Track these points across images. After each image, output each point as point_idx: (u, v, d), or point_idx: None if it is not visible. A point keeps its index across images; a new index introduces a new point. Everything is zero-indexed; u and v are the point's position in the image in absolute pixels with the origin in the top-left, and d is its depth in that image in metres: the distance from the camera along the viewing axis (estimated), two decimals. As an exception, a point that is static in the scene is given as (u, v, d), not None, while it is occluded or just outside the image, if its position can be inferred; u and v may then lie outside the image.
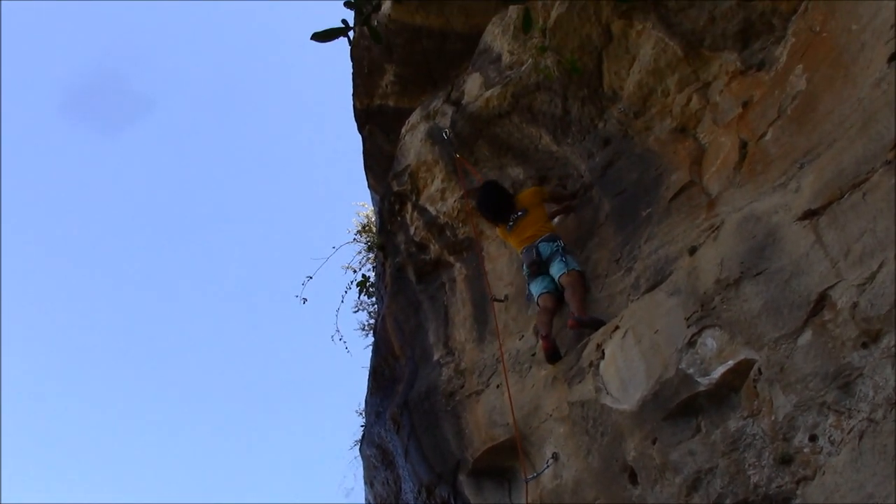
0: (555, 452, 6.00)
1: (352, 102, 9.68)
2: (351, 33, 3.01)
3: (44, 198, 52.56)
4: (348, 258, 11.74)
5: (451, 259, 8.09)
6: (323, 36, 2.98)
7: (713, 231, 5.27)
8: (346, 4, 3.09)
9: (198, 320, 55.19)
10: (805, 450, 4.36)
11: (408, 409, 7.65)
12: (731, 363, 4.80)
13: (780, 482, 4.44)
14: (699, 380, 4.94)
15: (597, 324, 5.97)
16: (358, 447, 9.65)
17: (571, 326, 6.14)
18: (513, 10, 7.15)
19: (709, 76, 5.82)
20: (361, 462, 9.37)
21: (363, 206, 10.98)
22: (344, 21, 3.01)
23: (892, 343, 4.03)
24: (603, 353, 5.74)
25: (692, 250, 5.37)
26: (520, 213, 6.83)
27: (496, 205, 7.01)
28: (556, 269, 6.47)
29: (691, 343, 5.05)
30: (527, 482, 6.10)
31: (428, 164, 8.06)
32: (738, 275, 4.89)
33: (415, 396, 7.61)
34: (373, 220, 10.31)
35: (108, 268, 53.93)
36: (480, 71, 7.59)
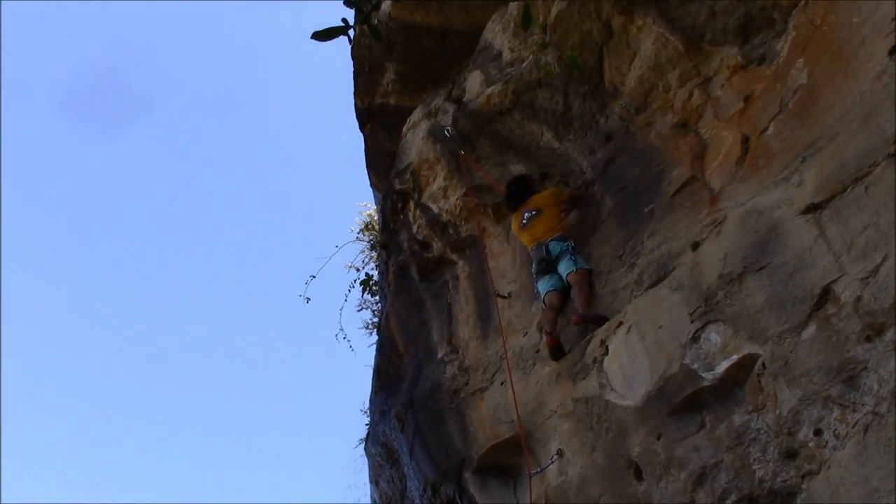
0: (559, 449, 6.01)
1: (353, 101, 9.69)
2: (351, 32, 3.00)
3: (44, 198, 52.65)
4: (351, 257, 11.75)
5: (454, 257, 8.10)
6: (323, 35, 2.97)
7: (716, 226, 5.27)
8: (345, 3, 3.08)
9: (200, 320, 55.25)
10: (810, 444, 4.36)
11: (412, 407, 7.66)
12: (735, 358, 4.80)
13: (785, 476, 4.44)
14: (703, 375, 4.94)
15: (600, 320, 5.98)
16: (363, 446, 9.66)
17: (575, 322, 6.15)
18: (513, 7, 7.15)
19: (710, 71, 5.82)
20: (367, 460, 9.38)
21: (365, 204, 11.00)
22: (344, 20, 2.99)
23: (896, 336, 4.03)
24: (607, 350, 5.74)
25: (695, 245, 5.37)
26: (534, 212, 6.84)
27: (516, 192, 7.10)
28: (564, 268, 6.49)
29: (695, 338, 5.06)
30: (530, 477, 6.11)
31: (430, 162, 8.06)
32: (742, 269, 4.89)
33: (419, 394, 7.62)
34: (375, 218, 10.32)
35: (108, 267, 54.03)
36: (481, 68, 7.59)
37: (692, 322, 5.10)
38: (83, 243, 53.27)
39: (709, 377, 4.92)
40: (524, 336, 6.88)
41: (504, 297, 7.21)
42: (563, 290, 6.52)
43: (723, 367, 4.86)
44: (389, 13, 8.36)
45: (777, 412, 4.54)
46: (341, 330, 10.55)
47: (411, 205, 8.40)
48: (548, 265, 6.63)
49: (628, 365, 5.51)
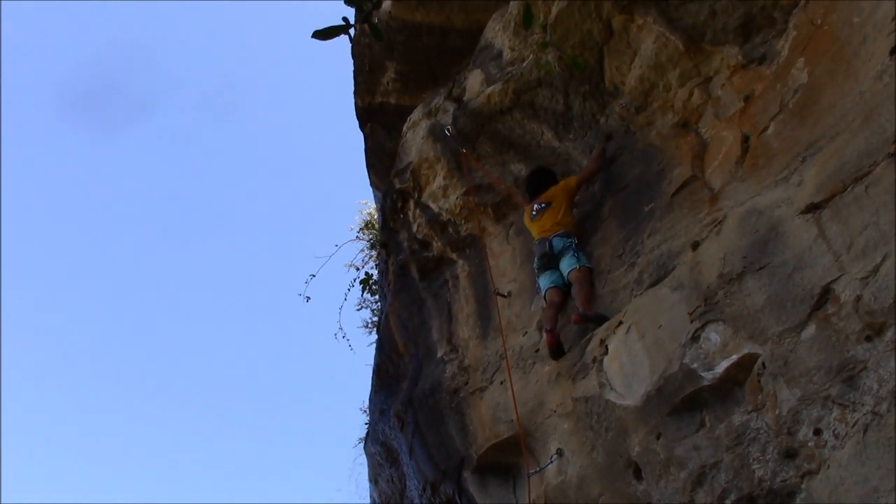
0: (559, 448, 6.00)
1: (353, 100, 9.68)
2: (351, 31, 2.99)
3: (43, 199, 52.68)
4: (351, 256, 11.73)
5: (454, 256, 8.10)
6: (323, 34, 2.96)
7: (716, 226, 5.26)
8: (346, 2, 3.07)
9: (200, 320, 55.27)
10: (809, 444, 4.36)
11: (412, 406, 7.66)
12: (734, 357, 4.80)
13: (784, 476, 4.44)
14: (703, 374, 4.94)
15: (600, 319, 5.97)
16: (362, 445, 9.66)
17: (575, 321, 6.15)
18: (513, 7, 7.14)
19: (710, 70, 5.81)
20: (366, 460, 9.38)
21: (365, 203, 11.00)
22: (344, 18, 2.99)
23: (896, 336, 4.03)
24: (606, 349, 5.74)
25: (695, 245, 5.36)
26: (544, 205, 6.83)
27: (536, 183, 7.08)
28: (566, 265, 6.48)
29: (695, 338, 5.05)
30: (530, 476, 6.11)
31: (430, 162, 8.06)
32: (741, 269, 4.88)
33: (419, 394, 7.61)
34: (375, 217, 10.32)
35: (108, 267, 54.01)
36: (482, 67, 7.59)
37: (692, 322, 5.10)
38: (83, 245, 53.32)
39: (708, 377, 4.91)
40: (524, 335, 6.88)
41: (504, 296, 7.21)
42: (564, 288, 6.52)
43: (722, 366, 4.85)
44: (390, 12, 8.35)
45: (777, 412, 4.54)
46: (341, 329, 10.55)
47: (411, 204, 8.40)
48: (549, 261, 6.62)
49: (628, 364, 5.51)
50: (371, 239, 10.42)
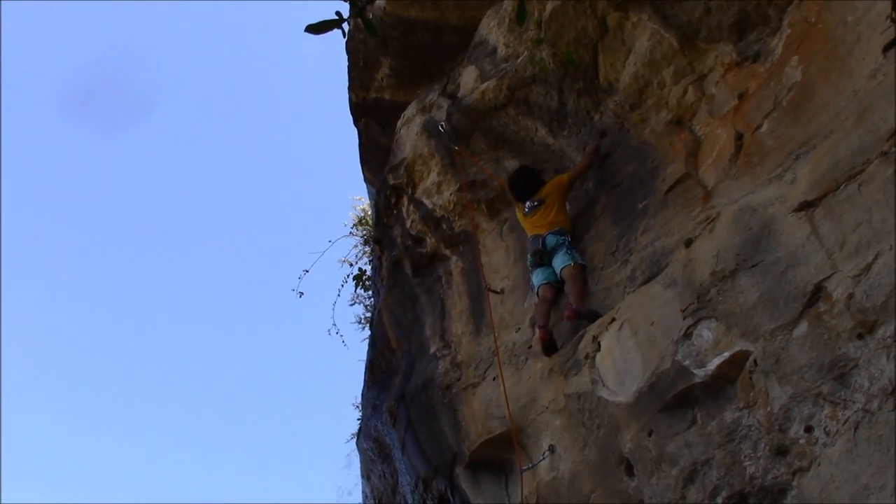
0: (551, 445, 6.00)
1: (347, 96, 9.66)
2: (345, 26, 2.97)
3: (43, 199, 52.55)
4: (344, 252, 11.74)
5: (448, 252, 8.09)
6: (317, 28, 2.93)
7: (709, 223, 5.27)
8: (340, -4, 3.05)
9: (194, 316, 55.23)
10: (801, 441, 4.37)
11: (404, 402, 7.66)
12: (726, 355, 4.80)
13: (775, 473, 4.45)
14: (695, 371, 4.94)
15: (593, 316, 5.97)
16: (355, 440, 9.66)
17: (568, 318, 6.15)
18: (508, 3, 7.14)
19: (704, 68, 5.82)
20: (358, 455, 9.38)
21: (359, 199, 10.99)
22: (338, 13, 2.96)
23: (888, 334, 4.04)
24: (599, 346, 5.74)
25: (688, 242, 5.37)
26: (536, 203, 6.82)
27: (521, 185, 7.03)
28: (559, 262, 6.49)
29: (687, 335, 5.06)
30: (522, 472, 6.12)
31: (424, 158, 8.05)
32: (734, 266, 4.89)
33: (411, 389, 7.61)
34: (369, 213, 10.31)
35: (107, 267, 53.98)
36: (476, 64, 7.58)
37: (684, 319, 5.10)
38: (82, 244, 53.28)
39: (700, 374, 4.92)
40: (516, 332, 6.88)
41: (497, 293, 7.21)
42: (557, 284, 6.52)
43: (714, 363, 4.86)
44: (384, 8, 8.33)
45: (768, 409, 4.55)
46: (334, 325, 10.57)
47: (405, 200, 8.38)
48: (542, 257, 6.63)
49: (620, 361, 5.51)
50: (365, 235, 10.41)
